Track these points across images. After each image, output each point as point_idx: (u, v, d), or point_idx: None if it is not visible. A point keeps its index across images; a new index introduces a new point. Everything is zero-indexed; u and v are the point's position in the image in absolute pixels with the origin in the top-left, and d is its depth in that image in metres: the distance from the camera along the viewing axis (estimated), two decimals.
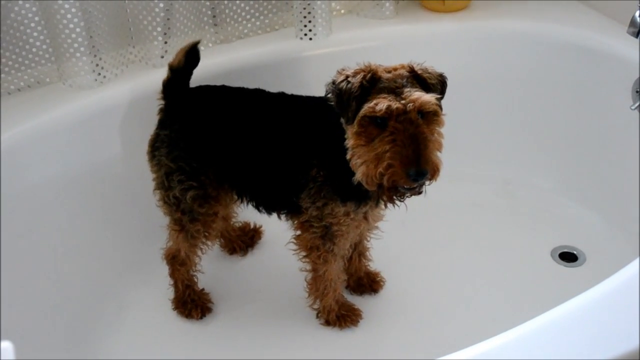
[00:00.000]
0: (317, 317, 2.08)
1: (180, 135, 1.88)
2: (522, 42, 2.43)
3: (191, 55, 1.89)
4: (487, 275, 2.22)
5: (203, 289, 2.18)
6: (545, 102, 2.47)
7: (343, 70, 1.63)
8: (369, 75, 1.56)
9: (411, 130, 1.52)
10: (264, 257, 2.32)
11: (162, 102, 1.93)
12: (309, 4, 2.30)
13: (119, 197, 2.21)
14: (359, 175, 1.60)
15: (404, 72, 1.59)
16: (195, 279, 2.14)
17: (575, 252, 2.30)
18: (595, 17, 2.43)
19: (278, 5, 2.42)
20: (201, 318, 2.12)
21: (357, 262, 2.12)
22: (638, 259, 1.39)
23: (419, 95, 1.53)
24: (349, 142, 1.61)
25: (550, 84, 2.44)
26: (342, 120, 1.63)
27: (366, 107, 1.54)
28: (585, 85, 2.36)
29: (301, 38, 2.37)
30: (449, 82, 1.67)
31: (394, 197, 1.62)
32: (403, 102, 1.52)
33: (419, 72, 1.61)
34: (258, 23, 2.41)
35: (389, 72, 1.59)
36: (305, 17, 2.33)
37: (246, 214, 2.24)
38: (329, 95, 1.64)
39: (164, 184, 1.91)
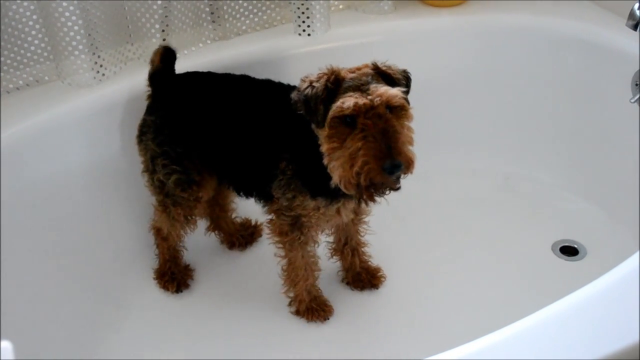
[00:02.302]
0: (289, 305, 2.09)
1: (165, 121, 1.93)
2: (521, 35, 2.43)
3: (166, 55, 1.96)
4: (488, 270, 2.22)
5: (188, 265, 2.24)
6: (545, 95, 2.47)
7: (306, 77, 1.64)
8: (332, 76, 1.58)
9: (381, 124, 1.53)
10: (263, 253, 2.31)
11: (150, 89, 1.99)
12: (307, 0, 2.30)
13: (119, 194, 2.21)
14: (335, 179, 1.61)
15: (367, 70, 1.60)
16: (182, 254, 2.20)
17: (576, 246, 2.29)
18: (594, 10, 2.42)
19: (276, 2, 2.41)
20: (176, 292, 2.18)
21: (350, 257, 2.12)
22: (638, 252, 1.39)
23: (385, 90, 1.54)
24: (323, 147, 1.62)
25: (550, 78, 2.44)
26: (313, 125, 1.64)
27: (334, 108, 1.55)
28: (584, 78, 2.35)
29: (299, 34, 2.37)
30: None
31: (374, 195, 1.63)
32: (370, 97, 1.53)
33: (383, 68, 1.62)
34: (256, 19, 2.40)
35: (353, 72, 1.60)
36: (303, 13, 2.32)
37: (248, 211, 2.25)
38: (297, 104, 1.64)
39: (149, 168, 1.98)
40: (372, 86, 1.56)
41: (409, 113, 1.61)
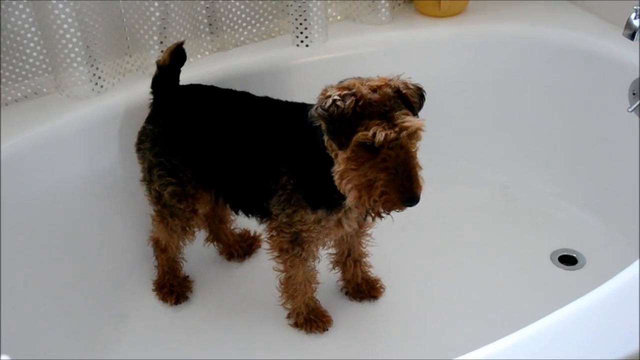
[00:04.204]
0: (287, 317, 2.09)
1: (163, 131, 1.93)
2: (519, 45, 2.43)
3: (176, 55, 1.94)
4: (487, 279, 2.22)
5: (187, 277, 2.24)
6: (543, 105, 2.47)
7: (326, 91, 1.60)
8: (361, 102, 1.54)
9: (402, 156, 1.53)
10: (261, 265, 2.30)
11: (152, 97, 1.99)
12: (304, 11, 2.31)
13: (117, 206, 2.21)
14: (350, 200, 1.61)
15: (389, 91, 1.57)
16: (181, 265, 2.21)
17: (574, 255, 2.29)
18: (591, 20, 2.43)
19: (274, 13, 2.42)
20: (175, 304, 2.18)
21: (352, 269, 2.12)
22: (638, 261, 1.39)
23: (410, 123, 1.53)
24: (338, 167, 1.60)
25: (547, 87, 2.44)
26: (334, 144, 1.60)
27: (360, 134, 1.53)
28: (582, 88, 2.36)
29: (297, 45, 2.37)
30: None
31: (381, 215, 1.63)
32: (396, 129, 1.52)
33: (404, 91, 1.59)
34: (254, 31, 2.41)
35: (374, 90, 1.56)
36: (301, 24, 2.33)
37: (247, 222, 2.24)
38: (316, 119, 1.60)
39: (146, 177, 1.99)
40: (397, 115, 1.54)
41: (420, 135, 1.60)
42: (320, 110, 1.57)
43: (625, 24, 1.99)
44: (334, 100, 1.54)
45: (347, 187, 1.59)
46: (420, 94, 1.66)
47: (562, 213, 2.46)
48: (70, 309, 2.07)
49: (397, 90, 1.59)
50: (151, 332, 2.12)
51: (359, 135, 1.53)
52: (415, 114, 1.61)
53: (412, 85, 1.64)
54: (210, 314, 2.17)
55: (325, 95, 1.58)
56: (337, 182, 1.62)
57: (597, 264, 2.25)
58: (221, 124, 1.89)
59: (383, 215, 1.62)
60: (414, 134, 1.56)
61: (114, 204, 2.20)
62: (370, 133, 1.51)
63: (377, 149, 1.53)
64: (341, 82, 1.61)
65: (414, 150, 1.57)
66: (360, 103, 1.54)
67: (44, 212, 2.02)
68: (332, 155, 1.63)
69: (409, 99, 1.60)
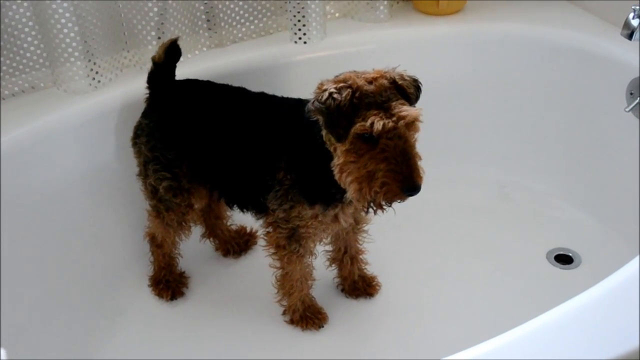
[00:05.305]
0: (283, 314, 2.09)
1: (158, 126, 1.93)
2: (517, 44, 2.43)
3: (171, 51, 1.94)
4: (483, 278, 2.22)
5: (183, 272, 2.24)
6: (540, 104, 2.48)
7: (322, 85, 1.60)
8: (358, 93, 1.54)
9: (401, 145, 1.53)
10: (257, 261, 2.30)
11: (148, 92, 1.99)
12: (302, 8, 2.30)
13: (114, 201, 2.21)
14: (351, 193, 1.60)
15: (385, 82, 1.57)
16: (177, 261, 2.21)
17: (570, 254, 2.30)
18: (589, 19, 2.43)
19: (272, 9, 2.42)
20: (171, 300, 2.18)
21: (349, 266, 2.12)
22: (636, 259, 1.39)
23: (407, 112, 1.54)
24: (338, 160, 1.60)
25: (545, 87, 2.44)
26: (332, 137, 1.60)
27: (358, 125, 1.53)
28: (579, 87, 2.36)
29: (295, 42, 2.37)
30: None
31: (383, 206, 1.63)
32: (394, 119, 1.52)
33: (400, 82, 1.60)
34: (252, 27, 2.41)
35: (370, 82, 1.56)
36: (299, 20, 2.33)
37: (243, 218, 2.25)
38: (313, 114, 1.60)
39: (142, 172, 1.99)
40: (394, 104, 1.54)
41: (418, 125, 1.60)
42: (317, 104, 1.57)
43: (624, 24, 2.00)
44: (331, 93, 1.55)
45: (348, 180, 1.59)
46: (416, 85, 1.66)
47: (559, 212, 2.47)
48: (67, 305, 2.06)
49: (393, 82, 1.59)
50: (147, 328, 2.12)
51: (357, 127, 1.53)
52: (412, 104, 1.61)
53: (408, 76, 1.64)
54: (206, 310, 2.17)
55: (321, 89, 1.59)
56: (337, 176, 1.61)
57: (592, 264, 2.25)
58: (217, 119, 1.89)
59: (385, 207, 1.62)
60: (412, 124, 1.56)
61: (110, 198, 2.20)
62: (368, 123, 1.52)
63: (376, 140, 1.53)
64: (337, 76, 1.62)
65: (412, 140, 1.57)
66: (356, 95, 1.54)
67: (41, 206, 2.02)
68: (331, 149, 1.63)
69: (405, 90, 1.60)
